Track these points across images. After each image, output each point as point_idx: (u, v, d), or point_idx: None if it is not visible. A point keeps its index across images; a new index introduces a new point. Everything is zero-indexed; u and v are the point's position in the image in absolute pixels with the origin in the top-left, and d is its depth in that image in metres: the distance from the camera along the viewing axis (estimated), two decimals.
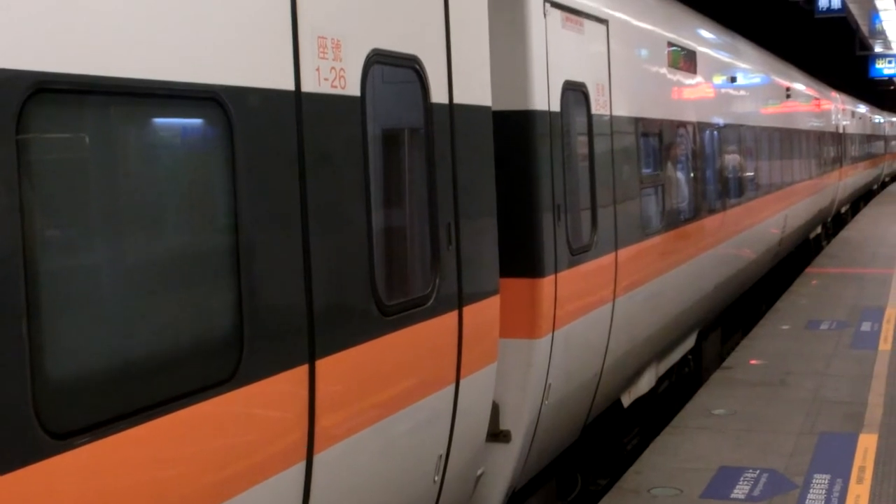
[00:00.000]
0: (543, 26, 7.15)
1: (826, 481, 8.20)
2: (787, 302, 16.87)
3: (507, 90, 6.84)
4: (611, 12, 8.66)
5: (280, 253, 4.34)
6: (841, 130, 30.95)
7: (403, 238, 5.67)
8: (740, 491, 8.08)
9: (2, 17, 3.10)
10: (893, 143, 63.62)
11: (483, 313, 6.10)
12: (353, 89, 4.85)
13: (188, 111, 3.95)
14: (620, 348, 8.66)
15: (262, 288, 4.20)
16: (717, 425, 9.89)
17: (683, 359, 11.94)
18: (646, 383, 10.13)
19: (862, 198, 41.57)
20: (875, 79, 38.80)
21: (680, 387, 11.91)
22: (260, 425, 4.26)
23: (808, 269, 20.71)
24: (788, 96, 20.25)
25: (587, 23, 8.04)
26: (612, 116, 8.56)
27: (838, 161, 29.45)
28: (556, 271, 7.14)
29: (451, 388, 5.79)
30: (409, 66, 5.43)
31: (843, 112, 32.63)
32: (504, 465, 6.88)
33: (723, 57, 14.06)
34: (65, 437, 3.28)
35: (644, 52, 9.95)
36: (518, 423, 6.89)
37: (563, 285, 7.25)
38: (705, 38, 13.28)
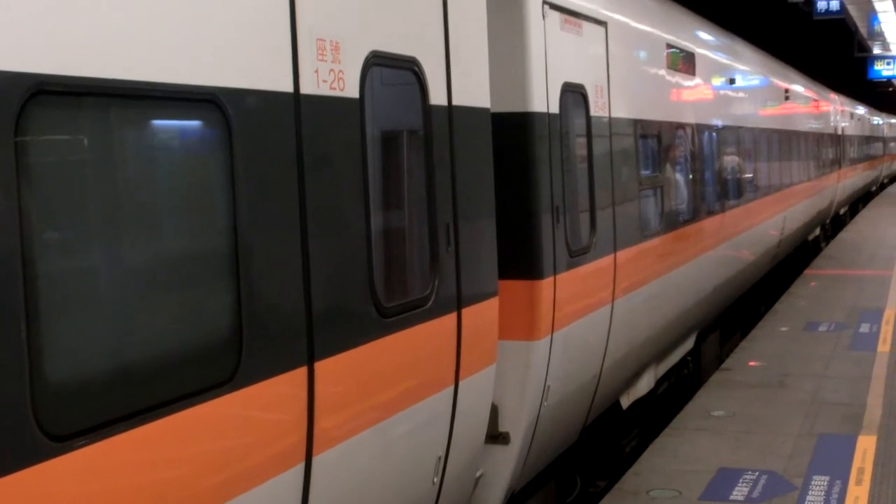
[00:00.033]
0: (542, 28, 7.15)
1: (825, 483, 8.20)
2: (786, 303, 16.86)
3: (505, 92, 6.84)
4: (609, 14, 8.66)
5: (279, 255, 4.34)
6: (839, 132, 30.95)
7: (402, 240, 5.67)
8: (739, 492, 8.08)
9: (1, 19, 3.09)
10: (892, 144, 63.67)
11: (482, 315, 6.10)
12: (352, 91, 4.85)
13: (187, 113, 3.95)
14: (619, 350, 8.65)
15: (260, 290, 4.19)
16: (716, 427, 9.88)
17: (682, 360, 11.94)
18: (645, 385, 10.13)
19: (861, 199, 41.58)
20: (873, 80, 38.77)
21: (679, 388, 11.91)
22: (259, 427, 4.26)
23: (807, 271, 20.71)
24: (787, 98, 20.24)
25: (586, 25, 8.04)
26: (610, 118, 8.56)
27: (837, 163, 29.45)
28: (554, 273, 7.14)
29: (450, 389, 5.78)
30: (408, 68, 5.43)
31: (842, 113, 32.63)
32: (503, 467, 6.88)
33: (721, 59, 14.06)
34: (63, 439, 3.27)
35: (643, 54, 9.94)
36: (517, 424, 6.88)
37: (562, 287, 7.25)
38: (704, 39, 13.28)
